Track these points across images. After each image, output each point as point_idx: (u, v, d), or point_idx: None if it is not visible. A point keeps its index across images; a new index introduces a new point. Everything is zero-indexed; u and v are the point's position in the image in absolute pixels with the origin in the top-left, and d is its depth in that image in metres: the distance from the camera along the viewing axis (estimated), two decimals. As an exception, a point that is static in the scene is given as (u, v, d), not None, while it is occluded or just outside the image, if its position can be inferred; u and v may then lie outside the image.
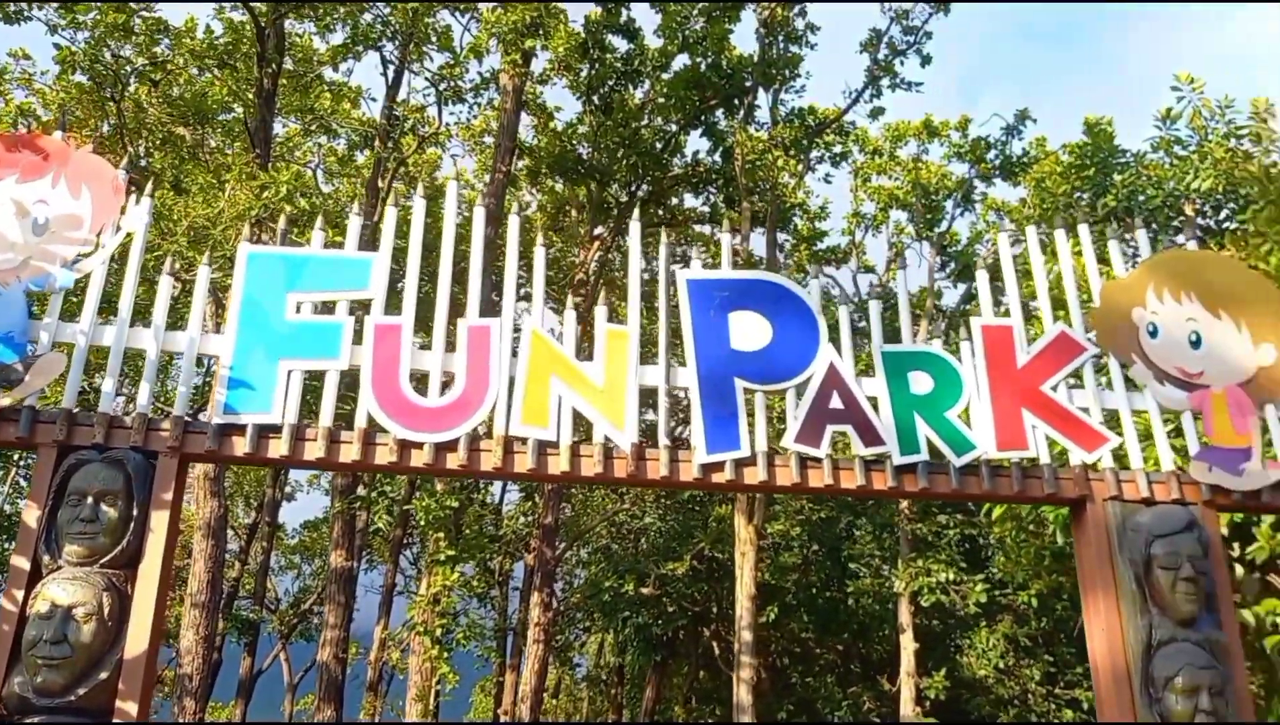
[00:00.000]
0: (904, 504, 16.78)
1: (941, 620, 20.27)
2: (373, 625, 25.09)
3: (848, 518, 20.71)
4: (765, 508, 16.14)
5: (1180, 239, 12.97)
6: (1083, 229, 5.78)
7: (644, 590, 19.53)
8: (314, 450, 4.89)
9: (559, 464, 5.02)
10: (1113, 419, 5.28)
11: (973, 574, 16.61)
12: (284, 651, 30.85)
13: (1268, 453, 5.19)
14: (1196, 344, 5.34)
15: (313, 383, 5.07)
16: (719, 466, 5.08)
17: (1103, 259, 6.25)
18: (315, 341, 5.06)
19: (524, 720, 16.77)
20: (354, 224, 5.51)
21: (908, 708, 14.89)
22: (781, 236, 21.63)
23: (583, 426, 5.20)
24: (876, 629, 21.14)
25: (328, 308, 5.18)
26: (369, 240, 7.89)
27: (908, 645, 15.36)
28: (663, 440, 5.15)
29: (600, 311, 5.38)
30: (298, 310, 5.11)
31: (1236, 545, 9.63)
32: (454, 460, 4.95)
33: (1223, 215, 13.58)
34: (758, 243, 20.07)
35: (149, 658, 4.38)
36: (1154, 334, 5.35)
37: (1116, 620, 4.90)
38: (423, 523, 12.99)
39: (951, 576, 15.41)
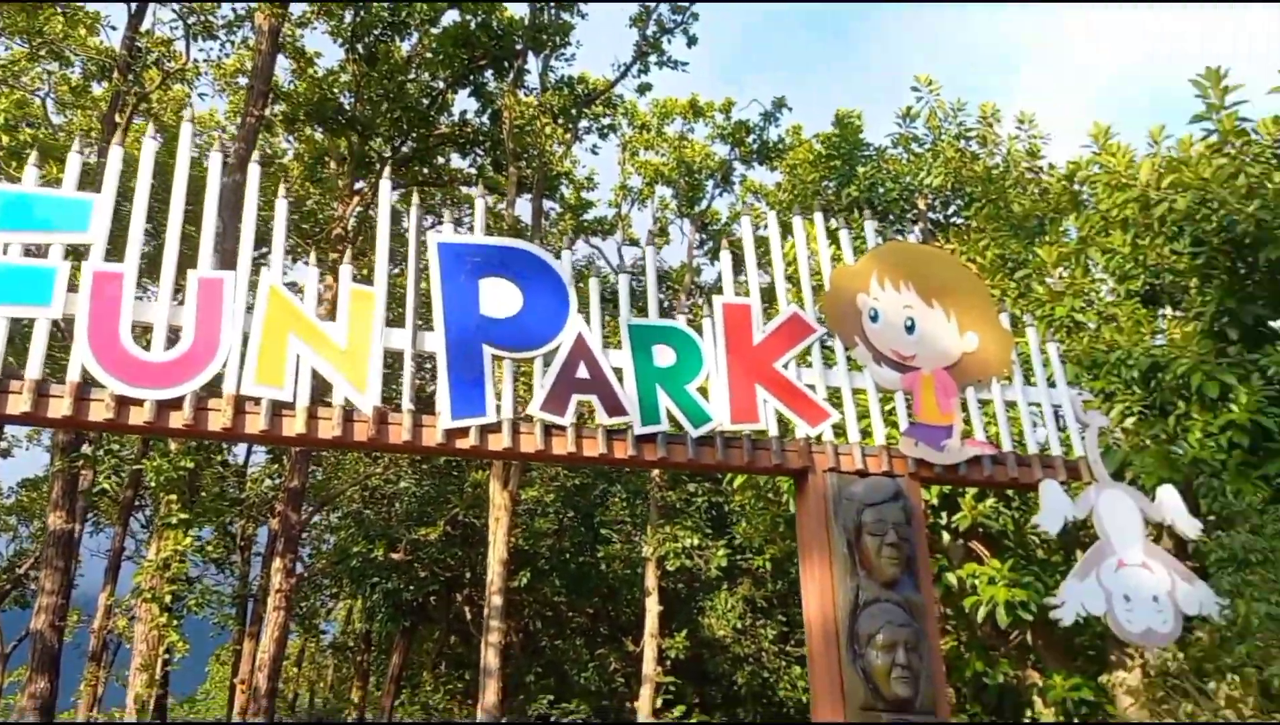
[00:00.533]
0: (655, 472, 17.31)
1: (686, 584, 21.12)
2: (98, 592, 23.40)
3: (602, 485, 21.15)
4: (521, 473, 16.22)
5: (915, 231, 14.02)
6: (818, 217, 6.13)
7: (395, 555, 19.21)
8: (18, 404, 4.51)
9: (294, 426, 4.86)
10: (835, 396, 5.66)
11: (716, 539, 17.40)
12: (-8, 621, 28.29)
13: (966, 431, 5.72)
14: (911, 329, 5.80)
15: (24, 330, 4.65)
16: (463, 432, 5.07)
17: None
18: (23, 286, 4.65)
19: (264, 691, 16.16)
20: (73, 161, 5.06)
21: (650, 667, 15.45)
22: (549, 204, 21.70)
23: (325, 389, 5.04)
24: (625, 593, 21.76)
25: (42, 251, 4.77)
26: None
27: (652, 608, 15.92)
28: (406, 404, 5.07)
29: (345, 271, 5.22)
30: (4, 251, 4.67)
31: (944, 514, 10.59)
32: (178, 419, 4.69)
33: (950, 210, 14.78)
34: (524, 209, 20.03)
35: None
36: (875, 319, 5.77)
37: (829, 582, 5.28)
38: (154, 484, 12.20)
39: (696, 542, 16.09)
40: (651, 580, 16.23)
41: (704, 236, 24.09)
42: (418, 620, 21.34)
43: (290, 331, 4.93)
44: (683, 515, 17.98)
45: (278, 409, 4.85)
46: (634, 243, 24.52)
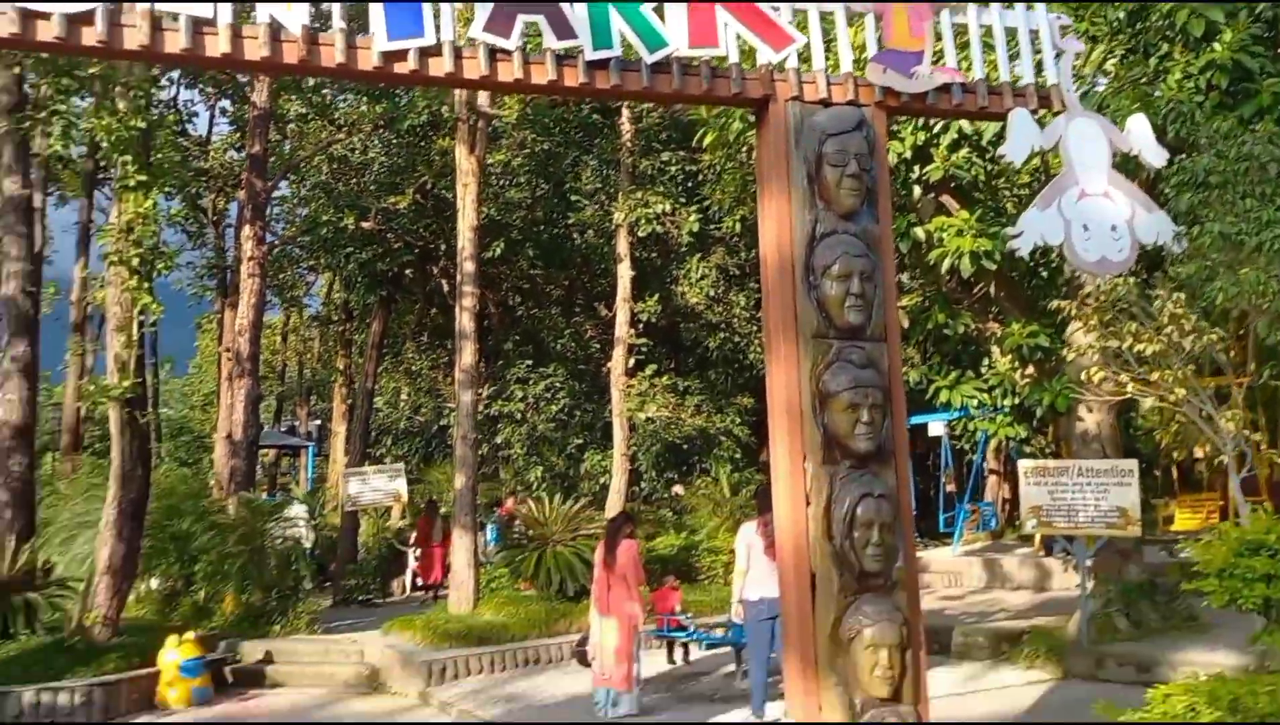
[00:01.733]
0: (626, 137, 16.92)
1: (659, 253, 21.31)
2: (72, 266, 23.45)
3: (574, 153, 20.77)
4: (487, 139, 15.80)
5: None
6: None
7: (366, 225, 19.11)
8: (-93, 18, 4.14)
9: (217, 45, 4.52)
10: (801, 20, 5.31)
11: (688, 206, 17.32)
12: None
13: (937, 57, 5.44)
14: (884, -56, 5.35)
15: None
16: (401, 55, 4.75)
17: None
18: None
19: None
20: None
21: (622, 330, 15.83)
22: None
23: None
24: (598, 262, 21.99)
25: None
26: None
27: (624, 274, 16.05)
28: (337, 23, 4.72)
29: None
30: None
31: (916, 167, 10.46)
32: (90, 36, 4.34)
33: None
34: None
35: None
36: (847, -69, 5.31)
37: (786, 215, 5.19)
38: (106, 144, 11.78)
39: (668, 207, 16.00)
40: (623, 247, 16.27)
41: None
42: (394, 291, 21.62)
43: (203, -65, 4.47)
44: (654, 183, 17.78)
45: (199, 26, 4.49)
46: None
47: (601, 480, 19.16)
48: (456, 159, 15.03)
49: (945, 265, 10.00)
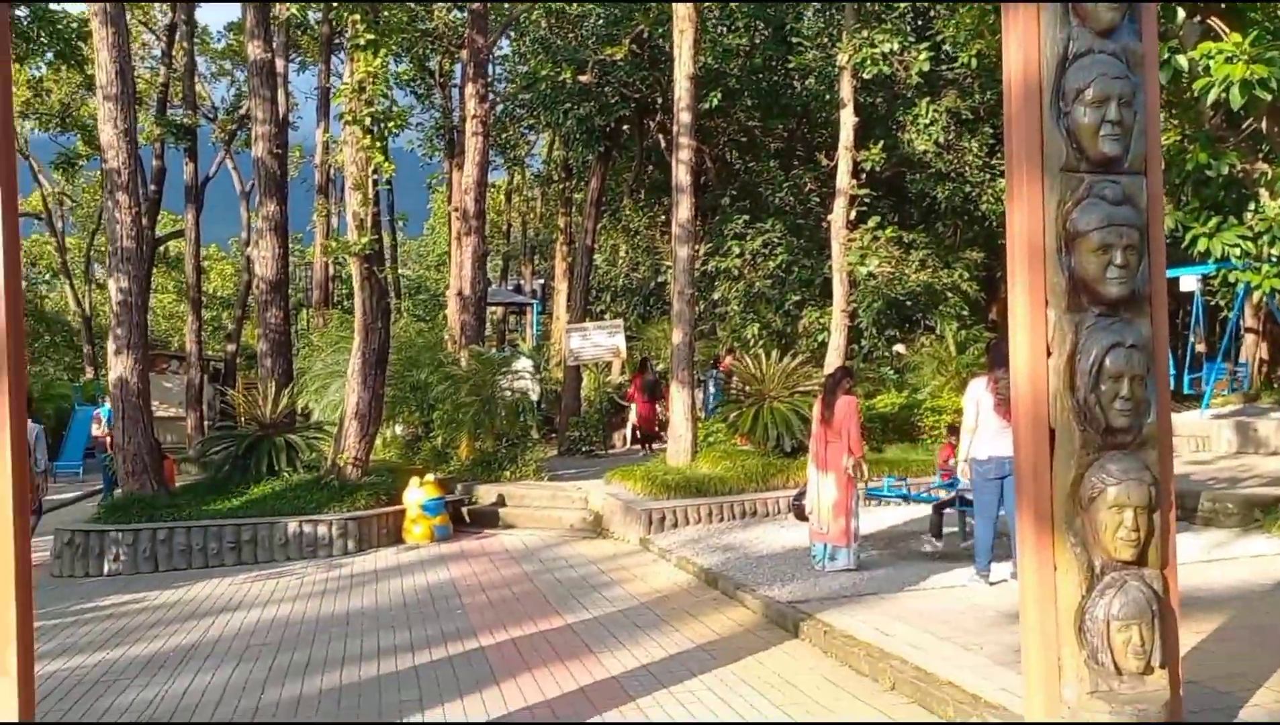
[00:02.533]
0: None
1: (885, 98, 20.19)
2: (314, 130, 24.81)
3: (794, -6, 19.75)
4: (704, -18, 15.19)
5: None
6: None
7: (583, 79, 18.99)
8: None
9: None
10: None
11: (918, 45, 16.14)
12: (229, 160, 30.82)
13: None
14: None
15: None
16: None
17: None
18: None
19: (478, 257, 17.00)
20: None
21: (844, 180, 15.12)
22: None
23: None
24: (819, 111, 21.10)
25: None
26: None
27: (847, 121, 15.20)
28: None
29: None
30: None
31: (1183, -15, 9.21)
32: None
33: None
34: None
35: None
36: None
37: (1034, 34, 4.63)
38: (336, 6, 12.14)
39: (896, 47, 14.94)
40: (847, 91, 15.37)
41: None
42: (612, 147, 21.57)
43: None
44: (882, 20, 16.66)
45: None
46: None
47: (819, 338, 18.83)
48: (673, 5, 14.57)
49: (1210, 97, 8.84)
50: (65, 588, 10.95)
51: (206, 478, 13.84)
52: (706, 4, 17.27)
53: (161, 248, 34.60)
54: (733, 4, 19.60)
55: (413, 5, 21.60)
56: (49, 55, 19.69)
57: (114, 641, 8.22)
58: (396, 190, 30.37)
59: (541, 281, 37.80)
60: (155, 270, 32.20)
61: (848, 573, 9.00)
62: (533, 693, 6.25)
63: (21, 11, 18.14)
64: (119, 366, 12.24)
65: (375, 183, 12.95)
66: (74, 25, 19.07)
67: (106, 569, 11.56)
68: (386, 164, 12.74)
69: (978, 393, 8.40)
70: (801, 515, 9.86)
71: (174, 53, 26.33)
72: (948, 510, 10.05)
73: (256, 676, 6.93)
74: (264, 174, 15.15)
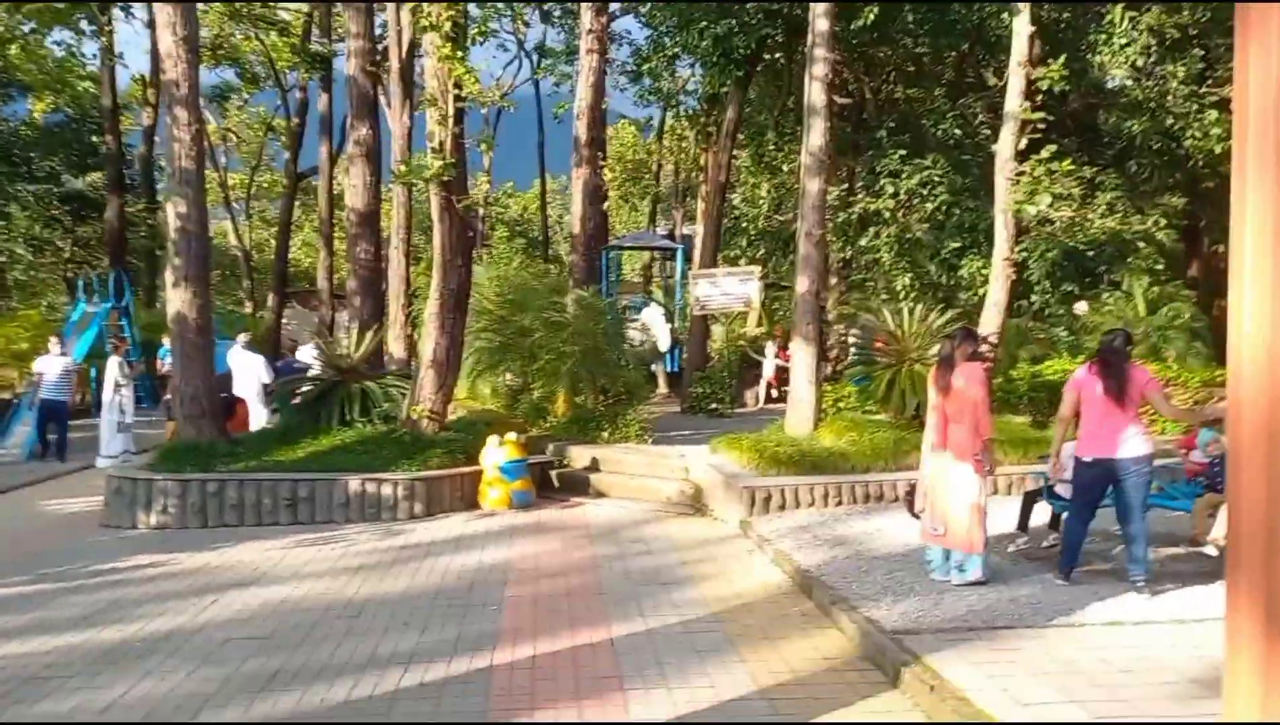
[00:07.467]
0: None
1: (1073, 12, 17.24)
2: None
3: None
4: None
5: None
6: None
7: (719, -10, 16.81)
8: None
9: None
10: None
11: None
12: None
13: None
14: None
15: None
16: None
17: None
18: None
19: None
20: None
21: (1014, 102, 12.49)
22: None
23: None
24: (992, 30, 18.26)
25: None
26: None
27: (1021, 30, 12.43)
28: None
29: None
30: None
31: None
32: None
33: None
34: None
35: None
36: None
37: None
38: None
39: (1086, -61, 12.23)
40: (1023, -6, 12.70)
41: None
42: (752, 73, 19.32)
43: None
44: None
45: None
46: None
47: (981, 291, 16.28)
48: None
49: None
50: (102, 540, 10.01)
51: (278, 426, 12.77)
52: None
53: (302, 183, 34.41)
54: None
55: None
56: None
57: (92, 619, 7.05)
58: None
59: (692, 225, 36.02)
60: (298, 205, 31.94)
61: (978, 587, 6.99)
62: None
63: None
64: (177, 300, 11.15)
65: (458, 99, 11.37)
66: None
67: (155, 521, 10.60)
68: (469, 77, 11.14)
69: (1081, 377, 7.04)
70: (913, 510, 7.84)
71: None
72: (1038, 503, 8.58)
73: (200, 689, 5.54)
74: (356, 93, 13.83)
